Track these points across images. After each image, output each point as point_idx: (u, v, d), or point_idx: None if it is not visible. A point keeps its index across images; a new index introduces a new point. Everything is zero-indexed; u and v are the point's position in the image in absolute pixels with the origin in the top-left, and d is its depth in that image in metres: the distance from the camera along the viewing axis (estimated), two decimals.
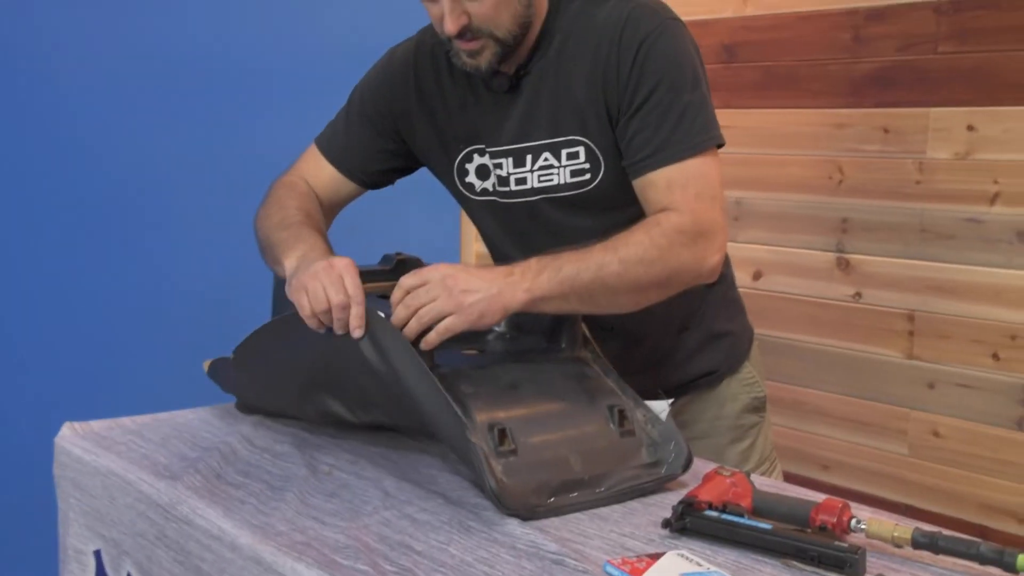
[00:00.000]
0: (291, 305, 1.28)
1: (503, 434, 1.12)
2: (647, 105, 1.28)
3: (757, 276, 2.46)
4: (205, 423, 1.46)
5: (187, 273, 2.33)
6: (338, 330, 1.18)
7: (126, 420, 1.47)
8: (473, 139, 1.41)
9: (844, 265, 2.31)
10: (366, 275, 1.25)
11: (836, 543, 0.98)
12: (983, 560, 0.95)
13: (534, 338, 1.31)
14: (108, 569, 1.32)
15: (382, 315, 1.18)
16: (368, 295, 1.21)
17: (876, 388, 2.29)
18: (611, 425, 1.20)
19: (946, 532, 0.98)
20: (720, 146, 1.32)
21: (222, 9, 2.36)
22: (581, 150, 1.34)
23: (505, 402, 1.18)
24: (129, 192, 2.26)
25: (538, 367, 1.26)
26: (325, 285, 1.18)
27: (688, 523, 1.05)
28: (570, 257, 1.21)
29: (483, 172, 1.42)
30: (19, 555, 2.03)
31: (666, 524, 1.07)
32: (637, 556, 1.00)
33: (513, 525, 1.08)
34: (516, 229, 1.43)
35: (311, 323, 1.20)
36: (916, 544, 0.98)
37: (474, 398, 1.16)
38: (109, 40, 2.21)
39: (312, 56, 2.47)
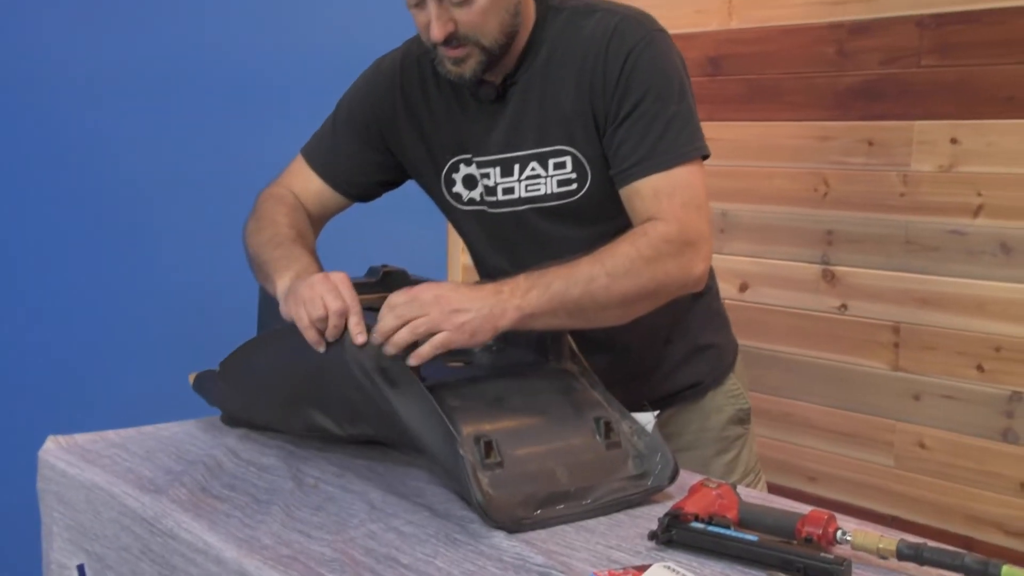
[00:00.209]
0: (278, 319, 1.28)
1: (489, 446, 1.12)
2: (634, 115, 1.29)
3: (743, 288, 2.47)
4: (190, 436, 1.46)
5: (172, 286, 2.33)
6: (331, 337, 1.19)
7: (111, 433, 1.46)
8: (460, 149, 1.41)
9: (829, 277, 2.32)
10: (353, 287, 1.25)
11: (822, 555, 0.98)
12: (968, 572, 0.95)
13: (521, 351, 1.31)
14: None
15: (372, 330, 1.18)
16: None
17: (862, 400, 2.29)
18: (597, 437, 1.20)
19: (931, 544, 0.98)
20: (705, 157, 1.33)
21: (214, 18, 2.36)
22: (568, 160, 1.34)
23: (491, 415, 1.18)
24: (115, 204, 2.26)
25: (524, 380, 1.26)
26: (322, 293, 1.19)
27: (674, 535, 1.05)
28: (558, 272, 1.21)
29: (470, 182, 1.42)
30: (2, 570, 2.01)
31: (652, 536, 1.07)
32: (623, 568, 1.00)
33: (500, 538, 1.08)
34: (503, 239, 1.43)
35: (309, 335, 1.20)
36: (901, 556, 0.98)
37: (460, 411, 1.16)
38: (99, 49, 2.21)
39: (301, 64, 2.47)
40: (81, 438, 1.44)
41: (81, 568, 1.33)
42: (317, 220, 1.50)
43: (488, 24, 1.27)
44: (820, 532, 1.01)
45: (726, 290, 2.45)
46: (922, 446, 2.20)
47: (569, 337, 1.30)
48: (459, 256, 2.80)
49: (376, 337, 1.16)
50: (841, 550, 1.01)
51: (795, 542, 1.02)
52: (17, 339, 2.14)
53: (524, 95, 1.35)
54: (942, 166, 2.13)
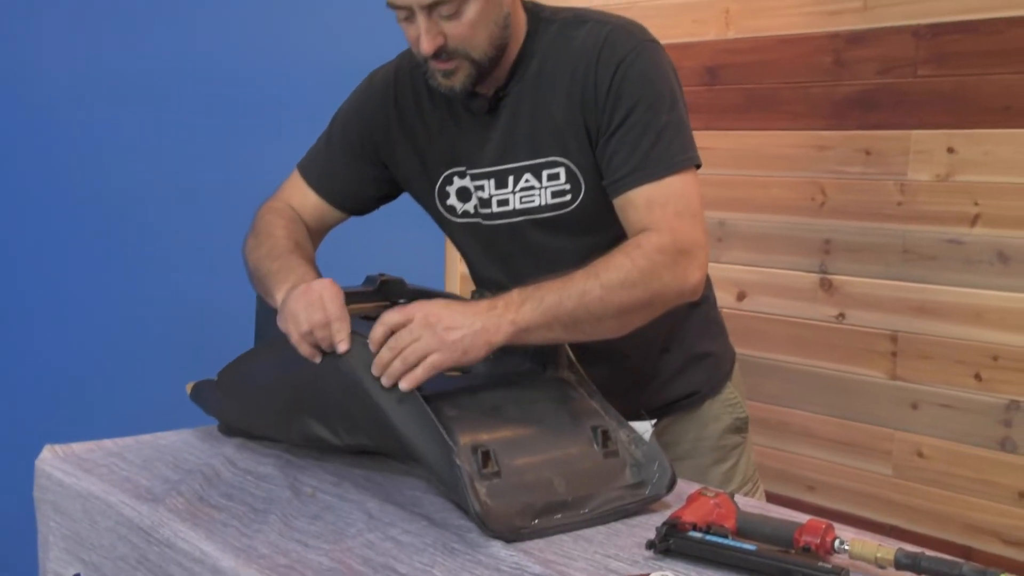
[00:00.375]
0: (275, 329, 1.28)
1: (487, 456, 1.12)
2: (625, 125, 1.29)
3: (741, 297, 2.47)
4: (188, 445, 1.46)
5: (170, 295, 2.33)
6: (324, 348, 1.19)
7: (108, 442, 1.46)
8: (454, 161, 1.41)
9: (827, 286, 2.33)
10: (349, 297, 1.25)
11: (820, 564, 0.98)
12: None
13: (518, 360, 1.31)
14: None
15: (368, 339, 1.18)
16: (352, 316, 1.22)
17: (860, 408, 2.29)
18: (595, 446, 1.20)
19: (929, 553, 0.98)
20: (698, 167, 1.33)
21: (213, 30, 2.36)
22: (561, 171, 1.34)
23: (489, 424, 1.18)
24: (114, 213, 2.26)
25: (522, 389, 1.26)
26: (304, 306, 1.19)
27: (672, 544, 1.05)
28: (552, 286, 1.21)
29: (464, 194, 1.42)
30: None
31: (650, 545, 1.07)
32: None
33: (497, 547, 1.08)
34: (499, 251, 1.43)
35: (302, 349, 1.21)
36: (899, 565, 0.98)
37: (457, 420, 1.16)
38: (100, 60, 2.21)
39: (300, 75, 2.47)
40: (78, 447, 1.44)
41: None
42: (315, 233, 1.51)
43: (477, 37, 1.27)
44: (818, 541, 1.01)
45: (724, 299, 2.45)
46: (920, 455, 2.20)
47: (567, 346, 1.30)
48: (457, 265, 2.80)
49: (374, 370, 1.17)
50: (839, 559, 1.01)
51: (793, 551, 1.02)
52: (14, 348, 2.14)
53: (516, 107, 1.35)
54: (939, 175, 2.13)
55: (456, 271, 2.82)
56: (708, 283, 1.45)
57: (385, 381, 1.16)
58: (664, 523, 1.07)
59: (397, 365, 1.15)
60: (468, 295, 1.43)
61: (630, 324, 1.26)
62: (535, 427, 1.20)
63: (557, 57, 1.33)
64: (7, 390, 2.13)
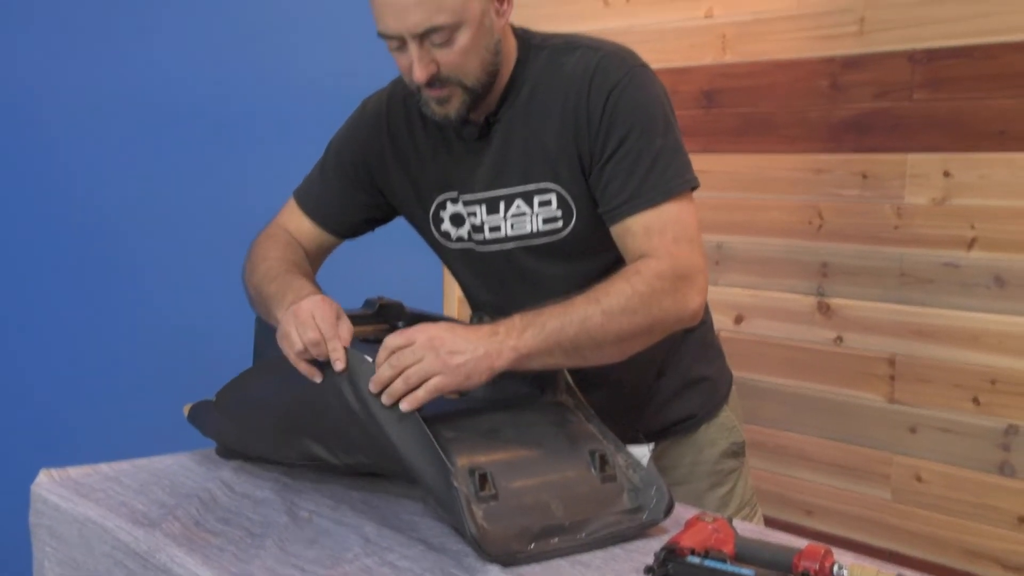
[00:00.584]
0: (274, 350, 1.28)
1: (484, 479, 1.12)
2: (619, 152, 1.29)
3: (738, 320, 2.47)
4: (184, 469, 1.45)
5: (167, 317, 2.33)
6: (318, 357, 1.20)
7: (104, 466, 1.46)
8: (446, 187, 1.41)
9: (825, 309, 2.33)
10: (349, 320, 1.25)
11: None
12: None
13: (516, 383, 1.31)
14: None
15: (367, 359, 1.18)
16: (352, 340, 1.22)
17: (858, 432, 2.29)
18: (592, 470, 1.19)
19: None
20: (694, 188, 1.33)
21: (208, 57, 2.37)
22: (553, 197, 1.35)
23: (486, 447, 1.17)
24: (109, 235, 2.26)
25: (519, 412, 1.26)
26: (296, 326, 1.20)
27: (670, 569, 1.05)
28: (553, 312, 1.21)
29: (457, 220, 1.42)
30: None
31: (648, 570, 1.06)
32: None
33: (494, 571, 1.07)
34: (492, 276, 1.43)
35: (300, 368, 1.22)
36: None
37: (455, 443, 1.15)
38: (90, 87, 2.22)
39: (295, 103, 2.49)
40: (74, 471, 1.43)
41: None
42: (313, 258, 1.51)
43: (469, 64, 1.27)
44: (817, 566, 1.01)
45: (722, 322, 2.45)
46: (919, 479, 2.20)
47: (564, 370, 1.30)
48: (455, 288, 2.80)
49: (372, 387, 1.17)
50: None
51: None
52: (10, 371, 2.14)
53: (507, 133, 1.36)
54: (935, 199, 2.14)
55: (454, 294, 2.82)
56: (705, 306, 1.45)
57: (385, 399, 1.16)
58: (662, 548, 1.06)
59: (399, 385, 1.15)
60: (467, 319, 1.44)
61: (630, 349, 1.27)
62: (533, 450, 1.19)
63: (548, 83, 1.34)
64: (3, 414, 2.13)
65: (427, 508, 1.27)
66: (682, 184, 1.30)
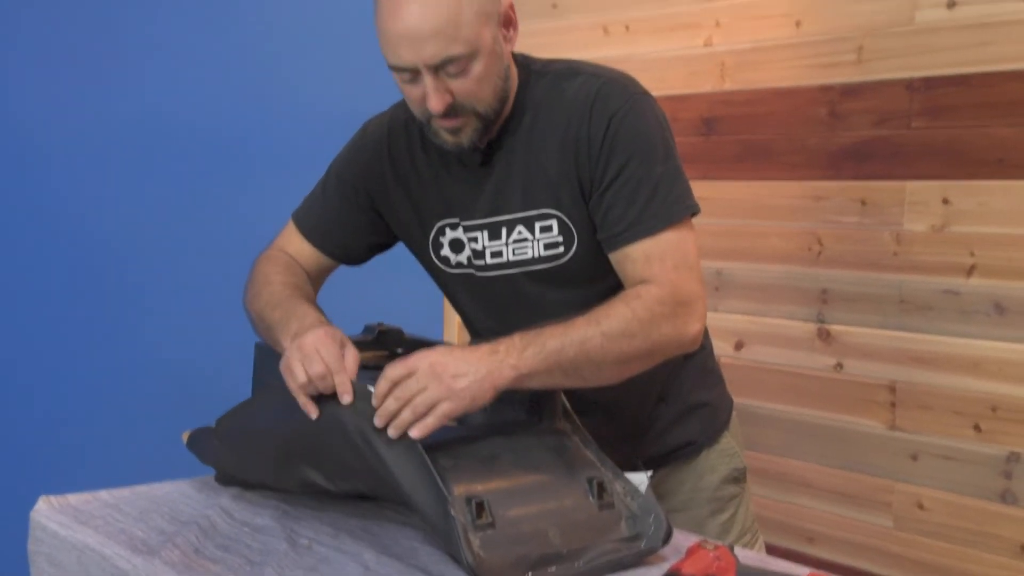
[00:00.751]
0: (273, 377, 1.28)
1: (481, 507, 1.12)
2: (619, 180, 1.30)
3: (739, 346, 2.48)
4: (184, 496, 1.45)
5: (166, 344, 2.33)
6: (324, 391, 1.20)
7: (103, 493, 1.45)
8: (447, 213, 1.42)
9: (825, 335, 2.33)
10: (354, 348, 1.25)
11: None
12: None
13: (513, 410, 1.31)
14: None
15: (370, 389, 1.18)
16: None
17: (859, 459, 2.29)
18: (590, 498, 1.19)
19: None
20: (694, 214, 1.34)
21: (207, 84, 2.39)
22: (554, 223, 1.35)
23: (483, 475, 1.17)
24: (109, 262, 2.26)
25: (517, 439, 1.26)
26: (301, 359, 1.20)
27: None
28: (553, 332, 1.22)
29: (457, 246, 1.43)
30: None
31: None
32: None
33: None
34: (492, 302, 1.44)
35: (300, 400, 1.22)
36: None
37: (452, 470, 1.15)
38: (92, 114, 2.23)
39: (293, 129, 2.49)
40: (73, 498, 1.43)
41: None
42: (313, 281, 1.51)
43: (483, 92, 1.28)
44: None
45: (721, 348, 2.45)
46: (921, 507, 2.19)
47: (562, 396, 1.30)
48: (455, 314, 2.80)
49: (378, 421, 1.17)
50: None
51: None
52: (9, 398, 2.14)
53: (509, 159, 1.36)
54: (934, 226, 2.15)
55: (454, 320, 2.83)
56: (705, 332, 1.46)
57: (392, 432, 1.15)
58: (664, 575, 1.06)
59: (407, 415, 1.15)
60: (467, 344, 1.44)
61: (629, 372, 1.27)
62: (530, 478, 1.19)
63: (550, 109, 1.34)
64: (2, 440, 2.12)
65: (426, 536, 1.27)
66: (682, 211, 1.31)
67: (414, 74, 1.25)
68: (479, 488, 1.14)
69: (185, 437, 1.47)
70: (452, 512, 1.10)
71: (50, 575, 1.35)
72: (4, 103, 2.12)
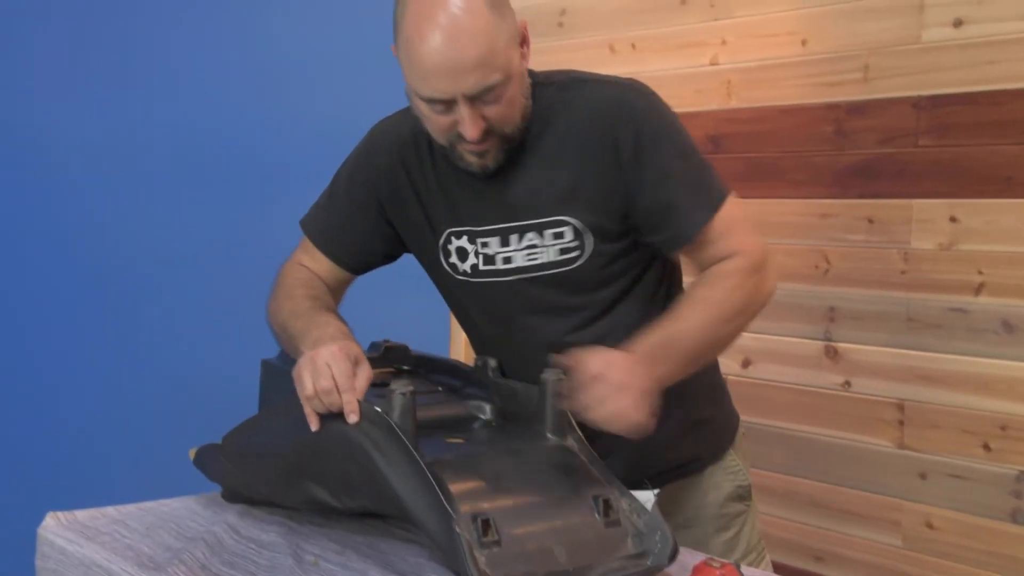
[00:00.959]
0: (280, 395, 1.28)
1: (487, 525, 1.11)
2: (667, 179, 1.33)
3: (745, 364, 2.47)
4: (191, 512, 1.45)
5: (174, 361, 2.33)
6: (326, 410, 1.20)
7: (111, 509, 1.46)
8: (454, 221, 1.42)
9: (832, 353, 2.33)
10: (368, 366, 1.25)
11: None
12: None
13: (519, 426, 1.31)
14: None
15: (376, 408, 1.18)
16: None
17: (868, 478, 2.28)
18: (596, 515, 1.19)
19: None
20: None
21: (209, 95, 2.40)
22: (567, 229, 1.35)
23: (489, 492, 1.17)
24: (118, 276, 2.27)
25: (523, 456, 1.26)
26: (311, 372, 1.20)
27: None
28: (681, 331, 1.29)
29: (462, 254, 1.43)
30: None
31: None
32: None
33: None
34: (499, 309, 1.43)
35: (305, 409, 1.22)
36: None
37: (458, 488, 1.15)
38: (103, 129, 2.24)
39: (307, 143, 2.50)
40: (81, 514, 1.43)
41: None
42: (333, 293, 1.50)
43: (514, 114, 1.29)
44: None
45: (728, 366, 2.45)
46: (930, 526, 2.18)
47: (568, 413, 1.30)
48: (461, 331, 2.80)
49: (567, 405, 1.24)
50: None
51: None
52: (17, 414, 2.14)
53: (518, 168, 1.36)
54: (942, 244, 2.14)
55: (460, 337, 2.83)
56: None
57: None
58: None
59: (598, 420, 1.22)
60: (472, 362, 1.44)
61: (731, 344, 1.39)
62: (536, 495, 1.19)
63: (560, 118, 1.35)
64: (10, 457, 2.13)
65: (432, 554, 1.27)
66: (722, 182, 1.37)
67: (448, 104, 1.25)
68: (485, 506, 1.14)
69: (192, 454, 1.47)
70: (458, 530, 1.09)
71: None
72: (22, 116, 2.14)
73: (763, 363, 2.44)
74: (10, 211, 2.14)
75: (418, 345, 1.56)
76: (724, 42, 2.50)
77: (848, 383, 2.30)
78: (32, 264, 2.17)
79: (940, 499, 2.16)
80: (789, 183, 2.39)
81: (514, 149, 1.35)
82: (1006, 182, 2.05)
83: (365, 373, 1.22)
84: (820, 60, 2.32)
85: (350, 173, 1.49)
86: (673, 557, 1.18)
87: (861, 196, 2.27)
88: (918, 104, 2.17)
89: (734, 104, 2.48)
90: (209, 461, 1.45)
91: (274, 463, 1.35)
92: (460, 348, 2.84)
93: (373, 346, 1.51)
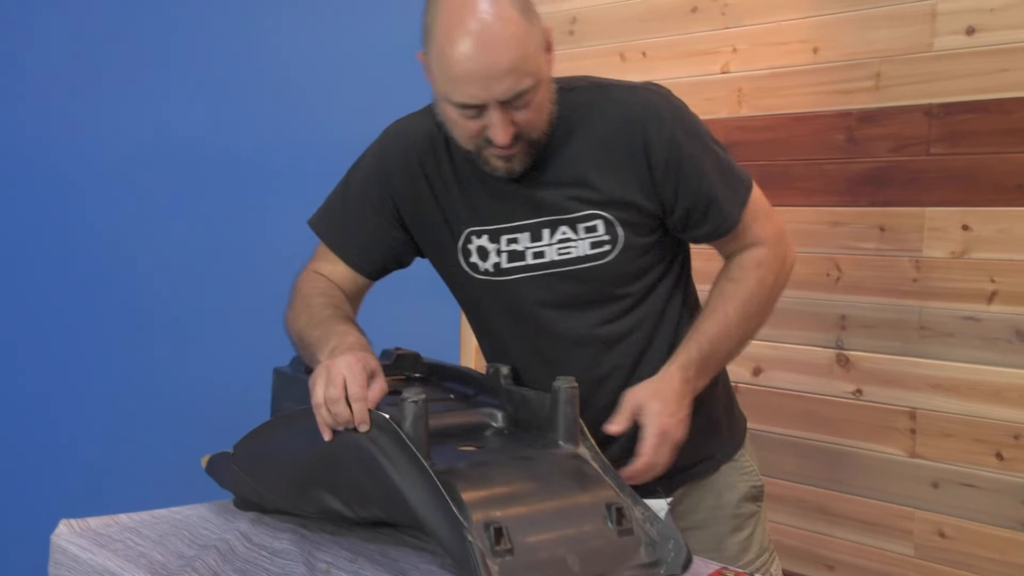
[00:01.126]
0: (291, 402, 1.28)
1: (499, 533, 1.11)
2: (706, 177, 1.38)
3: (757, 372, 2.47)
4: (203, 520, 1.45)
5: (186, 369, 2.33)
6: (332, 420, 1.20)
7: (123, 517, 1.46)
8: (474, 220, 1.42)
9: (844, 362, 2.32)
10: (384, 379, 1.25)
11: None
12: None
13: (532, 434, 1.31)
14: None
15: (385, 416, 1.18)
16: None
17: (879, 487, 2.27)
18: (609, 524, 1.19)
19: None
20: None
21: (227, 99, 2.40)
22: (599, 223, 1.37)
23: (502, 501, 1.17)
24: (128, 285, 2.27)
25: (536, 464, 1.26)
26: (325, 380, 1.20)
27: None
28: (717, 340, 1.38)
29: (483, 253, 1.43)
30: None
31: None
32: None
33: None
34: (523, 304, 1.43)
35: (317, 416, 1.22)
36: None
37: (471, 496, 1.15)
38: (109, 134, 2.24)
39: (313, 146, 2.50)
40: (94, 522, 1.43)
41: None
42: (351, 300, 1.49)
43: (542, 119, 1.31)
44: None
45: (740, 374, 2.44)
46: (942, 535, 2.17)
47: (580, 420, 1.30)
48: (471, 338, 2.80)
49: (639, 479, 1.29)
50: None
51: None
52: (30, 422, 2.15)
53: (544, 170, 1.37)
54: (954, 252, 2.14)
55: (471, 345, 2.83)
56: None
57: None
58: None
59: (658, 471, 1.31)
60: (484, 370, 1.44)
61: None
62: (549, 504, 1.19)
63: (587, 121, 1.36)
64: (23, 464, 2.14)
65: (445, 562, 1.27)
66: (746, 170, 1.44)
67: (479, 110, 1.26)
68: (498, 514, 1.14)
69: (204, 462, 1.47)
70: (470, 538, 1.09)
71: None
72: (29, 126, 2.15)
73: (774, 371, 2.44)
74: (28, 218, 2.15)
75: (428, 353, 1.56)
76: (735, 50, 2.50)
77: (860, 391, 2.29)
78: (42, 271, 2.17)
79: (952, 508, 2.16)
80: (800, 191, 2.39)
81: (539, 152, 1.36)
82: (1018, 190, 2.05)
83: (380, 385, 1.22)
84: (832, 68, 2.32)
85: (364, 175, 1.48)
86: (687, 566, 1.17)
87: (873, 204, 2.26)
88: (930, 112, 2.16)
89: (745, 112, 2.48)
90: (221, 469, 1.45)
91: (286, 473, 1.35)
92: (471, 356, 2.84)
93: (385, 354, 1.51)
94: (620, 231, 1.37)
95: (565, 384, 1.27)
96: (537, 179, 1.37)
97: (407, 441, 1.16)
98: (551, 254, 1.39)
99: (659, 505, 1.22)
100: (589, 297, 1.40)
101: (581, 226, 1.37)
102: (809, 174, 2.37)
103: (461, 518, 1.11)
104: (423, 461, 1.15)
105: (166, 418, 2.30)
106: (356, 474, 1.21)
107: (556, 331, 1.41)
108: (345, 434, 1.21)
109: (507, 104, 1.25)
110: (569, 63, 2.77)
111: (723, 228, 1.41)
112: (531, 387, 1.36)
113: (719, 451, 1.51)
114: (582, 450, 1.29)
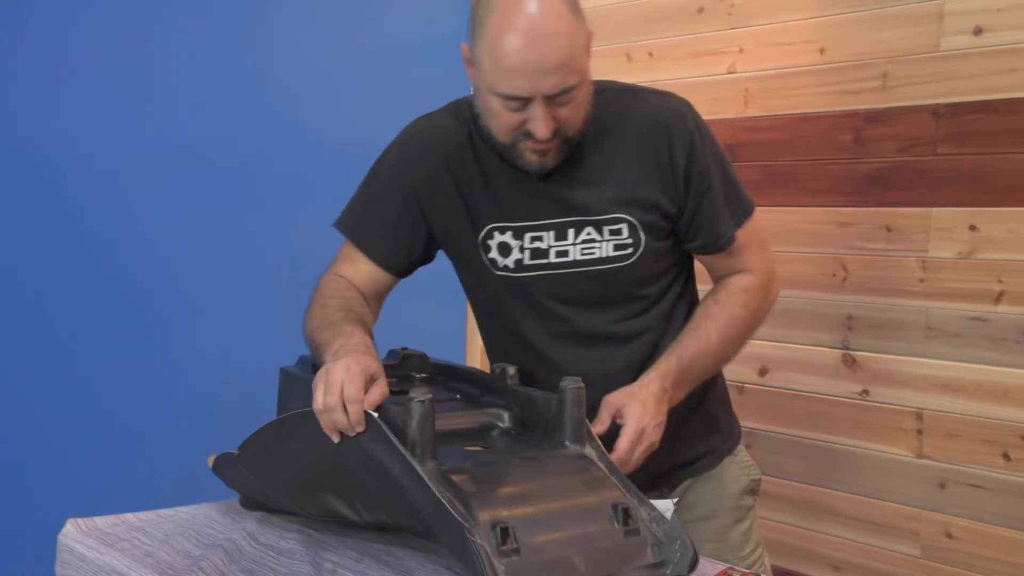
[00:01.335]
0: (298, 402, 1.28)
1: (505, 533, 1.11)
2: (710, 193, 1.41)
3: (763, 372, 2.46)
4: (209, 519, 1.46)
5: (192, 368, 2.34)
6: (332, 426, 1.20)
7: (130, 516, 1.46)
8: (497, 216, 1.43)
9: (850, 362, 2.32)
10: (385, 381, 1.25)
11: None
12: None
13: (538, 435, 1.31)
14: None
15: (371, 415, 1.18)
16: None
17: (886, 487, 2.26)
18: (615, 524, 1.18)
19: None
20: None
21: (238, 101, 2.41)
22: (624, 226, 1.40)
23: (508, 500, 1.17)
24: (136, 285, 2.28)
25: (542, 464, 1.25)
26: (324, 385, 1.20)
27: None
28: (697, 352, 1.41)
29: (505, 249, 1.44)
30: None
31: None
32: None
33: None
34: (542, 301, 1.44)
35: (320, 421, 1.22)
36: None
37: (477, 496, 1.15)
38: (114, 139, 2.25)
39: (323, 148, 2.51)
40: (100, 521, 1.44)
41: None
42: (372, 300, 1.50)
43: (580, 116, 1.34)
44: None
45: (746, 374, 2.44)
46: (949, 536, 2.16)
47: (586, 421, 1.30)
48: (477, 339, 2.80)
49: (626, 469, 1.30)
50: None
51: None
52: (38, 422, 2.15)
53: (574, 168, 1.39)
54: (961, 252, 2.13)
55: (477, 345, 2.83)
56: None
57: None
58: None
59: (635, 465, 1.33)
60: (489, 370, 1.44)
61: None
62: (555, 504, 1.19)
63: (617, 124, 1.40)
64: (30, 464, 2.14)
65: (451, 562, 1.27)
66: (748, 198, 1.48)
67: (524, 103, 1.29)
68: (504, 514, 1.14)
69: (211, 461, 1.48)
70: (476, 538, 1.09)
71: None
72: (35, 133, 2.15)
73: (780, 371, 2.43)
74: (38, 220, 2.15)
75: (435, 353, 1.56)
76: (741, 50, 2.50)
77: (866, 392, 2.29)
78: (50, 272, 2.18)
79: (959, 509, 2.15)
80: (807, 191, 2.38)
81: (570, 150, 1.38)
82: None
83: (379, 389, 1.21)
84: (838, 68, 2.32)
85: (388, 174, 1.49)
86: (693, 567, 1.17)
87: (879, 204, 2.26)
88: (937, 112, 2.16)
89: (751, 112, 2.48)
90: (227, 468, 1.46)
91: (291, 474, 1.35)
92: (477, 356, 2.85)
93: (391, 354, 1.51)
94: (642, 235, 1.40)
95: (571, 384, 1.27)
96: (566, 179, 1.40)
97: (395, 441, 1.15)
98: (574, 254, 1.41)
99: (665, 505, 1.22)
100: (608, 296, 1.44)
101: (607, 228, 1.40)
102: (815, 174, 2.37)
103: (465, 517, 1.10)
104: (412, 461, 1.14)
105: (173, 418, 2.30)
106: (363, 476, 1.21)
107: (572, 325, 1.45)
108: (349, 437, 1.21)
109: (551, 99, 1.28)
110: None
111: (717, 243, 1.45)
112: (544, 381, 1.37)
113: (720, 445, 1.55)
114: (588, 450, 1.29)
